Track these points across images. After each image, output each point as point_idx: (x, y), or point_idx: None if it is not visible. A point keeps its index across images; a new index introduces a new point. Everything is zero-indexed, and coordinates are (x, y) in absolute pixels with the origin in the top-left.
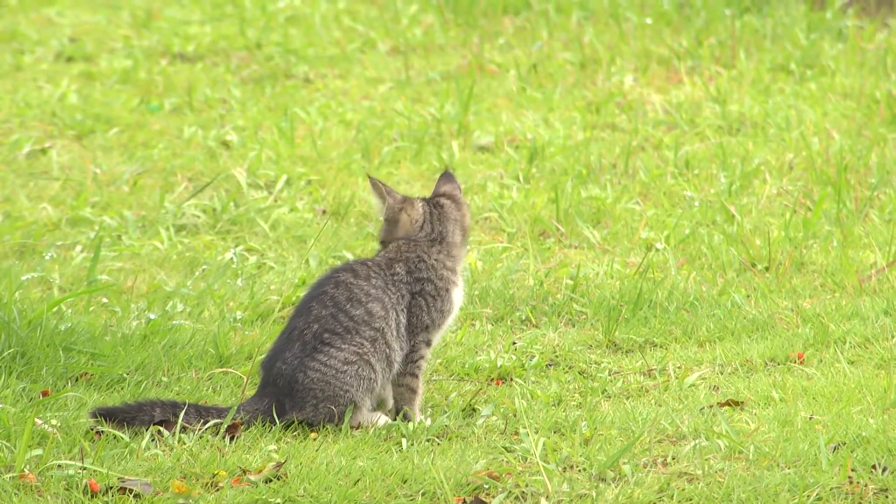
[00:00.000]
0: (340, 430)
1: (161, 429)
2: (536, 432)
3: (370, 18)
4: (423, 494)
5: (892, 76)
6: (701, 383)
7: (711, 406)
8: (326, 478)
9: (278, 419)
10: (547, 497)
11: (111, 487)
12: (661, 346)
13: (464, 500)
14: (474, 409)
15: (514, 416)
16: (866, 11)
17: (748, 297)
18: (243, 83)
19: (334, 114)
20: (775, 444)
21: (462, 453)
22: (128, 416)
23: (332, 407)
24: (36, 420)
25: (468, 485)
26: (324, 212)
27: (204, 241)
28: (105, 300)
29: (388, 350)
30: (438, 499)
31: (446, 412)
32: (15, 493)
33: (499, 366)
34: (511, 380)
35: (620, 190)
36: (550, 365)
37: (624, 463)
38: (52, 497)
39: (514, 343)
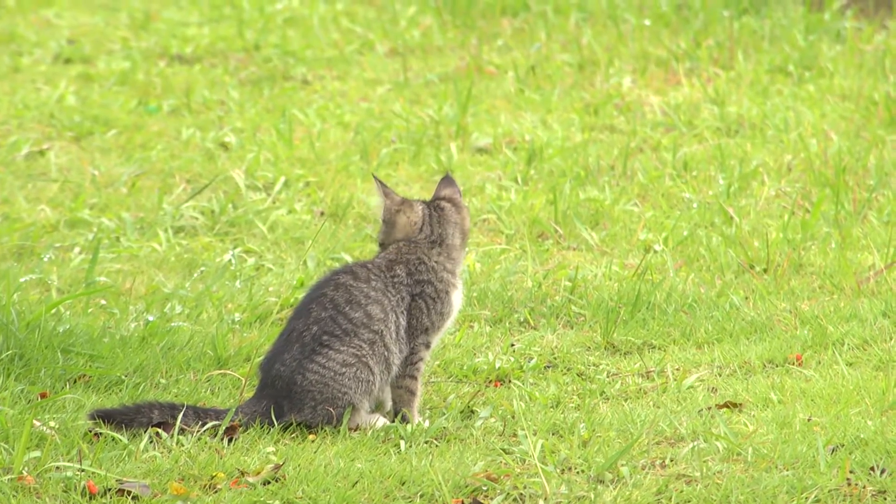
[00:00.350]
0: (339, 431)
1: (159, 431)
2: (535, 434)
3: (368, 20)
4: (421, 496)
5: (890, 78)
6: (699, 385)
7: (710, 408)
8: (325, 480)
9: (276, 421)
10: (545, 499)
11: (109, 489)
12: (659, 348)
13: (462, 501)
14: (473, 411)
15: (513, 417)
16: (864, 13)
17: (746, 298)
18: (241, 85)
19: (332, 115)
20: (773, 445)
21: (460, 455)
22: (126, 418)
23: (331, 409)
24: (34, 422)
25: (466, 487)
26: (322, 213)
27: (202, 243)
28: (103, 302)
29: (386, 352)
30: (437, 501)
31: (445, 414)
32: (13, 495)
33: (497, 367)
34: (509, 381)
35: (619, 191)
36: (549, 367)
37: (622, 465)
38: (51, 499)
39: (513, 345)
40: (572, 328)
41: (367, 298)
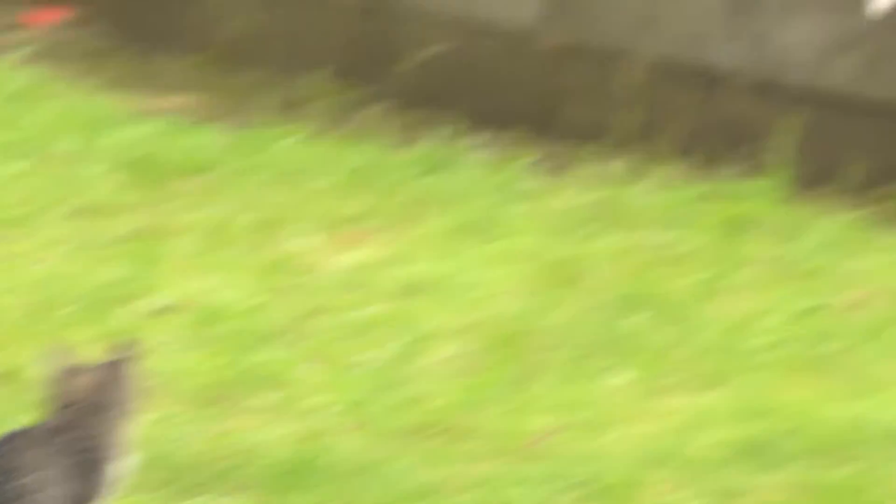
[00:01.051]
0: None
1: None
2: None
3: (52, 177)
4: None
5: (569, 237)
6: None
7: None
8: None
9: None
10: None
11: None
12: None
13: None
14: None
15: None
16: (551, 172)
17: (418, 462)
18: None
19: (8, 278)
20: None
21: None
22: None
23: None
24: None
25: None
26: None
27: None
28: None
29: None
30: None
31: None
32: None
33: None
34: None
35: (295, 354)
36: None
37: None
38: None
39: None
40: (243, 493)
41: (29, 468)
